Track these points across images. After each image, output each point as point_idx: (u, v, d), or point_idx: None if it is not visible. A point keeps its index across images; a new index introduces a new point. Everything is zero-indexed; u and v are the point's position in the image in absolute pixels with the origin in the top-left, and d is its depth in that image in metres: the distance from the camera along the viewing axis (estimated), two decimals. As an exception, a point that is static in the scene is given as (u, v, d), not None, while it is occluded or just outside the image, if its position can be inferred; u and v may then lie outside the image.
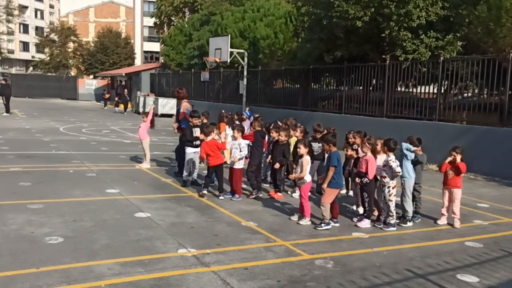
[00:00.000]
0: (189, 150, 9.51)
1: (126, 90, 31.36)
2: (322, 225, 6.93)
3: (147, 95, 32.39)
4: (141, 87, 36.33)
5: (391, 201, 7.13)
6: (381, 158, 7.21)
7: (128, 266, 5.06)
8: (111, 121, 25.58)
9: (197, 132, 9.42)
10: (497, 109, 12.83)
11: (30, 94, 46.65)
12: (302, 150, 7.22)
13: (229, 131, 11.59)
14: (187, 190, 9.19)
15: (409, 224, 7.44)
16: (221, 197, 8.50)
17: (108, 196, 8.33)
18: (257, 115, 12.25)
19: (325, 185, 6.86)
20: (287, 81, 22.31)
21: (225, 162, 10.05)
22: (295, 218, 7.37)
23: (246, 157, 9.13)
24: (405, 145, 7.41)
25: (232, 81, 26.42)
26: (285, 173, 9.27)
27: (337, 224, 7.08)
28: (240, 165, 8.58)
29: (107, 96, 38.24)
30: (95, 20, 71.75)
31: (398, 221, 7.42)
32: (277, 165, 8.88)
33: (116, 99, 35.24)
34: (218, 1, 34.53)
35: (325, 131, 9.33)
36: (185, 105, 10.39)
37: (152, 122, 11.53)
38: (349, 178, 8.81)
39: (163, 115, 28.83)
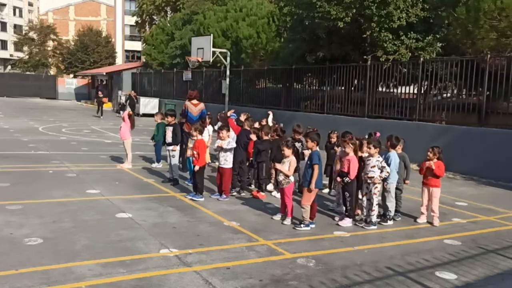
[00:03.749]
0: (168, 148, 9.91)
1: (100, 92, 29.92)
2: (302, 225, 6.98)
3: (129, 94, 32.12)
4: (122, 86, 36.02)
5: (374, 199, 7.23)
6: (374, 159, 7.24)
7: (109, 267, 5.03)
8: (91, 120, 25.29)
9: (169, 131, 9.85)
10: (475, 109, 13.08)
11: (8, 93, 45.79)
12: (287, 151, 7.23)
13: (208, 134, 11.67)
14: (169, 190, 9.17)
15: (390, 222, 7.55)
16: (189, 197, 8.46)
17: (89, 196, 8.26)
18: (245, 116, 12.17)
19: (313, 185, 6.85)
20: (269, 81, 22.34)
21: (208, 162, 10.11)
22: (277, 217, 7.42)
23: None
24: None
25: (215, 81, 26.37)
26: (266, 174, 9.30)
27: (313, 226, 7.09)
28: (229, 164, 8.59)
29: (101, 95, 29.95)
30: (75, 19, 70.75)
31: (379, 219, 7.52)
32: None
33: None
34: (200, 0, 34.42)
35: (305, 131, 9.39)
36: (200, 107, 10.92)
37: (132, 122, 11.51)
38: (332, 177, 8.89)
39: (145, 115, 28.63)
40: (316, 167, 6.88)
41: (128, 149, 11.40)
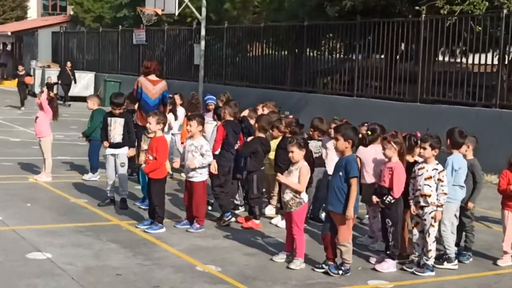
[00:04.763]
0: (108, 152, 9.79)
1: (21, 67, 29.13)
2: (340, 272, 6.98)
3: (47, 67, 31.88)
4: (38, 53, 35.87)
5: (431, 231, 7.22)
6: (429, 166, 7.23)
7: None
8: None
9: (117, 125, 9.68)
10: None
11: None
12: (297, 154, 7.21)
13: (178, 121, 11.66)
14: (111, 216, 9.12)
15: (452, 265, 7.54)
16: (143, 226, 8.44)
17: (-15, 226, 8.23)
18: (224, 94, 12.17)
19: (351, 210, 6.84)
20: (268, 46, 22.27)
21: (169, 173, 10.05)
22: (280, 258, 7.40)
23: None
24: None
25: (183, 45, 26.32)
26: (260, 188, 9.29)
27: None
28: (202, 176, 8.57)
29: (21, 71, 27.59)
30: None
31: (436, 261, 7.51)
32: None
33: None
34: None
35: (331, 128, 9.33)
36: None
37: (54, 111, 11.47)
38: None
39: (73, 99, 28.48)
40: (354, 183, 6.88)
41: (47, 152, 11.35)
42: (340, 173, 6.98)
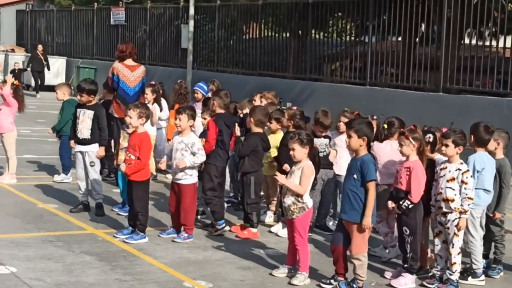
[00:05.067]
0: (76, 149, 9.81)
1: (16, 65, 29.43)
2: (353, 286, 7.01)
3: (10, 51, 31.84)
4: (0, 35, 35.90)
5: (455, 242, 7.26)
6: (453, 166, 7.28)
7: None
8: None
9: (85, 118, 9.65)
10: None
11: None
12: (298, 152, 7.25)
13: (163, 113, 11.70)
14: (85, 224, 9.16)
15: (479, 281, 7.60)
16: (122, 236, 8.52)
17: None
18: (213, 83, 12.21)
19: (369, 219, 6.87)
20: (267, 27, 22.31)
21: (153, 175, 10.07)
22: (281, 273, 7.44)
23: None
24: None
25: (168, 26, 26.39)
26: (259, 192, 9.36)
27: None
28: (193, 178, 8.63)
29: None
30: None
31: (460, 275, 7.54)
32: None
33: None
34: None
35: (340, 121, 9.39)
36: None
37: (20, 102, 11.50)
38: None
39: (42, 88, 28.42)
40: (372, 187, 6.89)
41: (10, 151, 11.38)
42: (355, 176, 6.96)
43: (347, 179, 7.16)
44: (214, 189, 9.02)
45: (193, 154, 8.47)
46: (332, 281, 7.14)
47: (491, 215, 7.83)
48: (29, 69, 27.29)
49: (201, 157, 8.53)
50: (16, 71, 27.14)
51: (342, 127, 9.13)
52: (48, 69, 28.19)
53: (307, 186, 7.23)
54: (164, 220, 9.44)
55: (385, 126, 8.31)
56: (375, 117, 9.78)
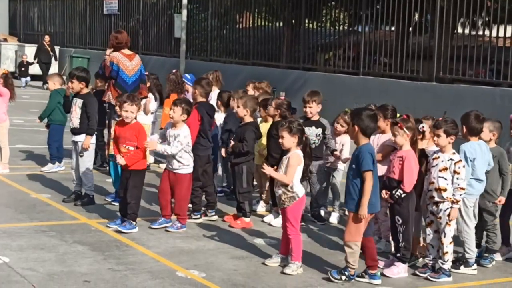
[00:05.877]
0: (72, 138, 9.79)
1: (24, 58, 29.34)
2: (342, 277, 7.02)
3: (3, 40, 31.74)
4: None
5: (447, 231, 7.28)
6: (445, 156, 7.28)
7: None
8: None
9: (75, 107, 9.66)
10: None
11: None
12: (287, 140, 7.24)
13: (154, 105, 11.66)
14: (78, 213, 9.15)
15: (471, 270, 7.62)
16: (114, 225, 8.51)
17: None
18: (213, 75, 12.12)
19: (364, 209, 6.86)
20: (261, 16, 22.26)
21: (148, 167, 10.07)
22: (274, 262, 7.46)
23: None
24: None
25: (161, 15, 26.32)
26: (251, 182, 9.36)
27: (378, 281, 7.12)
28: (189, 168, 8.62)
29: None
30: None
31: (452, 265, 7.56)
32: (224, 152, 9.10)
33: None
34: None
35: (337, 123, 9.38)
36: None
37: (11, 90, 11.48)
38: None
39: (33, 77, 28.31)
40: (369, 177, 6.88)
41: (3, 140, 11.37)
42: (353, 166, 7.02)
43: (349, 169, 7.19)
44: (198, 179, 8.96)
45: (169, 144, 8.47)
46: (363, 273, 7.14)
47: (496, 202, 7.88)
48: (35, 61, 27.06)
49: (174, 149, 8.42)
50: (25, 63, 27.18)
51: (340, 128, 9.21)
52: (56, 59, 28.04)
53: (293, 175, 7.21)
54: (154, 209, 9.43)
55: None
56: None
